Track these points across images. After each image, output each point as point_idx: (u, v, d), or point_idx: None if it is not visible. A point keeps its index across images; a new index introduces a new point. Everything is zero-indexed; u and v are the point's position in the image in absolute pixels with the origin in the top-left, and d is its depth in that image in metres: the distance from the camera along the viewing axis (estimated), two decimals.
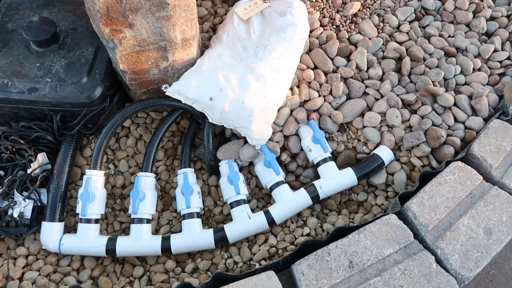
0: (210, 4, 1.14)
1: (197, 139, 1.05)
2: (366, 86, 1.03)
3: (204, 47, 1.02)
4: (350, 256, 0.80)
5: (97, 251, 0.89)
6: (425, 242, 0.83)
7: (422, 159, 0.97)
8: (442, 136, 0.94)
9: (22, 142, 0.93)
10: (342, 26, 1.11)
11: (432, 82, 1.02)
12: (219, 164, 0.98)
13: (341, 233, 0.85)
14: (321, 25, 1.10)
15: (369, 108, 1.01)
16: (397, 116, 0.98)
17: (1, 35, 0.96)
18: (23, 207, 0.90)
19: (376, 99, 1.02)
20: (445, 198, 0.86)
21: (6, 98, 0.89)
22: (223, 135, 1.02)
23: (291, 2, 0.98)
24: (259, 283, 0.77)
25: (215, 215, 0.98)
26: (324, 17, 1.11)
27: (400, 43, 1.09)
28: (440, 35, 1.11)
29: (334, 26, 1.11)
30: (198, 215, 0.93)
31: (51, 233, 0.88)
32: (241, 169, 0.99)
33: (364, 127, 0.99)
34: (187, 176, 0.94)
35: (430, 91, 0.99)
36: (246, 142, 0.96)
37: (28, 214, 0.90)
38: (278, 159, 0.97)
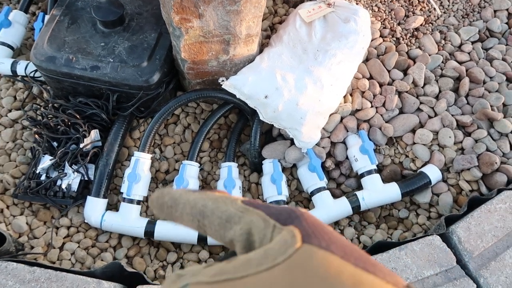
0: (271, 3, 1.15)
1: (243, 134, 1.05)
2: (421, 103, 1.01)
3: (261, 45, 1.03)
4: None
5: (136, 232, 0.90)
6: (467, 269, 0.80)
7: (471, 183, 0.94)
8: (496, 162, 0.91)
9: (78, 117, 0.96)
10: (402, 39, 1.09)
11: (491, 106, 0.99)
12: (263, 162, 0.98)
13: (381, 247, 0.84)
14: (381, 36, 1.09)
15: (421, 125, 0.99)
16: (450, 137, 0.96)
17: (71, 12, 0.99)
18: (71, 179, 0.93)
19: (430, 117, 0.99)
20: (493, 227, 0.83)
21: (69, 73, 0.93)
22: (269, 134, 1.02)
23: (356, 10, 0.97)
24: None
25: None
26: (385, 28, 1.10)
27: (461, 63, 1.07)
28: (503, 59, 1.08)
29: (394, 38, 1.09)
30: None
31: (95, 208, 0.91)
32: (283, 170, 0.99)
33: (414, 143, 0.97)
34: (231, 170, 0.95)
35: (487, 115, 0.97)
36: (292, 143, 0.96)
37: (75, 187, 0.93)
38: (323, 165, 0.97)
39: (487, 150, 0.94)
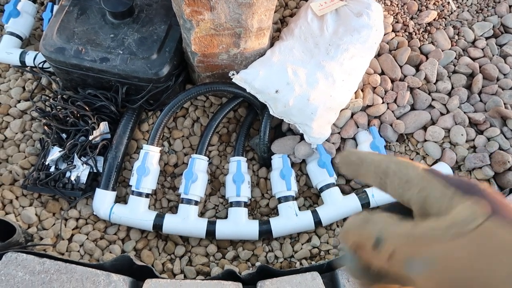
0: None
1: (252, 129, 1.05)
2: (433, 99, 0.99)
3: (271, 38, 1.01)
4: None
5: (144, 225, 0.90)
6: None
7: (482, 182, 0.93)
8: (508, 161, 0.90)
9: (87, 109, 0.96)
10: (415, 34, 1.07)
11: (504, 104, 0.97)
12: (272, 157, 0.98)
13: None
14: (393, 31, 1.07)
15: (433, 122, 0.98)
16: (462, 134, 0.94)
17: (80, 3, 0.98)
18: (80, 171, 0.93)
19: (442, 114, 0.98)
20: None
21: (78, 64, 0.92)
22: (279, 129, 1.01)
23: (369, 4, 0.95)
24: (303, 282, 0.77)
25: (260, 207, 0.98)
26: (397, 22, 1.08)
27: (474, 59, 1.05)
28: None
29: (407, 33, 1.07)
30: (246, 204, 0.93)
31: (104, 201, 0.91)
32: (292, 165, 0.98)
33: (426, 141, 0.96)
34: (240, 165, 0.94)
35: (501, 113, 0.95)
36: (302, 138, 0.95)
37: (84, 179, 0.93)
38: (332, 161, 0.96)
39: (500, 148, 0.93)
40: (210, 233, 0.90)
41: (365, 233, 0.26)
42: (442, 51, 1.05)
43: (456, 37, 1.09)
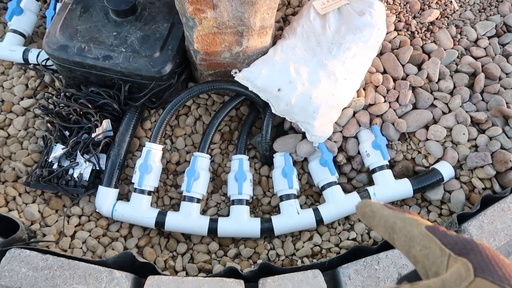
0: None
1: (254, 127, 1.05)
2: (435, 98, 0.99)
3: (274, 37, 1.02)
4: (399, 269, 0.79)
5: (146, 222, 0.91)
6: None
7: (484, 181, 0.93)
8: (510, 160, 0.90)
9: (90, 106, 0.96)
10: (417, 33, 1.07)
11: (506, 103, 0.97)
12: (274, 155, 0.98)
13: (391, 244, 0.83)
14: (396, 29, 1.07)
15: (435, 121, 0.98)
16: (464, 134, 0.94)
17: (83, 1, 0.98)
18: (83, 169, 0.94)
19: (444, 113, 0.98)
20: (506, 225, 0.83)
21: (81, 62, 0.92)
22: (281, 127, 1.02)
23: (371, 2, 0.95)
24: (304, 279, 0.77)
25: (262, 205, 0.99)
26: (399, 21, 1.08)
27: (476, 58, 1.05)
28: None
29: (409, 32, 1.07)
30: (247, 202, 0.93)
31: (106, 198, 0.91)
32: (294, 163, 0.99)
33: (427, 139, 0.96)
34: (242, 163, 0.94)
35: (503, 112, 0.95)
36: (304, 137, 0.95)
37: (86, 176, 0.94)
38: (334, 159, 0.96)
39: (502, 148, 0.93)
40: (212, 230, 0.90)
41: None
42: (445, 50, 1.05)
43: (459, 36, 1.09)
